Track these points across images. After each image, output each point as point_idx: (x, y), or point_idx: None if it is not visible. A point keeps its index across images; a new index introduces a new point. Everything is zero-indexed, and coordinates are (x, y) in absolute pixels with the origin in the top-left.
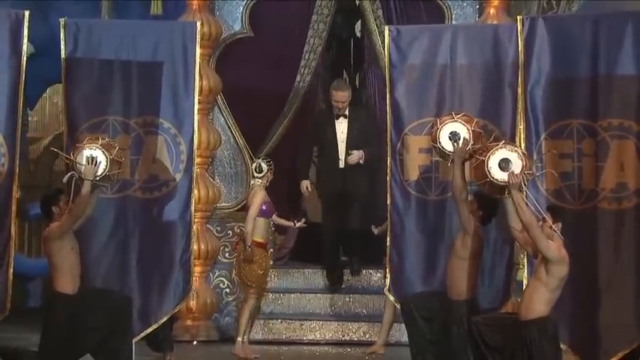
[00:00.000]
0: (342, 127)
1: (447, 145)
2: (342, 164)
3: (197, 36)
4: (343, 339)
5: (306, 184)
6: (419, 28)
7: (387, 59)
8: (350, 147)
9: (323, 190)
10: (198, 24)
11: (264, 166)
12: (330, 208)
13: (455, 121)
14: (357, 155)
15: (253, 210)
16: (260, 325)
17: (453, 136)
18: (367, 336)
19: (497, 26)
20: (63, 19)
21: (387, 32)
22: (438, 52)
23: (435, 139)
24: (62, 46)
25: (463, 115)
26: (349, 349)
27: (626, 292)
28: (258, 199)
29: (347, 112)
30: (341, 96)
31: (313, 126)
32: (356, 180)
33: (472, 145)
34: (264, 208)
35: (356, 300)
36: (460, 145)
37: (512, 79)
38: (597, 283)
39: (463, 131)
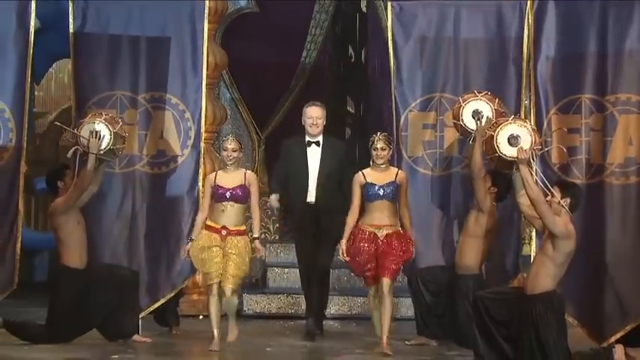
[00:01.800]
0: (314, 156)
1: (470, 122)
2: (311, 198)
3: (205, 12)
4: (348, 313)
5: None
6: (422, 4)
7: (390, 36)
8: (322, 179)
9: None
10: (207, 0)
11: None
12: (301, 250)
13: (478, 100)
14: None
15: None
16: (266, 299)
17: (476, 114)
18: None
19: (500, 2)
20: None
21: (389, 8)
22: (441, 28)
23: (457, 117)
24: (70, 21)
25: (486, 94)
26: (354, 324)
27: (633, 266)
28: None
29: (320, 140)
30: (314, 111)
31: (282, 151)
32: (329, 217)
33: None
34: (219, 192)
35: None
36: (483, 124)
37: (515, 55)
38: (604, 258)
39: (487, 109)
